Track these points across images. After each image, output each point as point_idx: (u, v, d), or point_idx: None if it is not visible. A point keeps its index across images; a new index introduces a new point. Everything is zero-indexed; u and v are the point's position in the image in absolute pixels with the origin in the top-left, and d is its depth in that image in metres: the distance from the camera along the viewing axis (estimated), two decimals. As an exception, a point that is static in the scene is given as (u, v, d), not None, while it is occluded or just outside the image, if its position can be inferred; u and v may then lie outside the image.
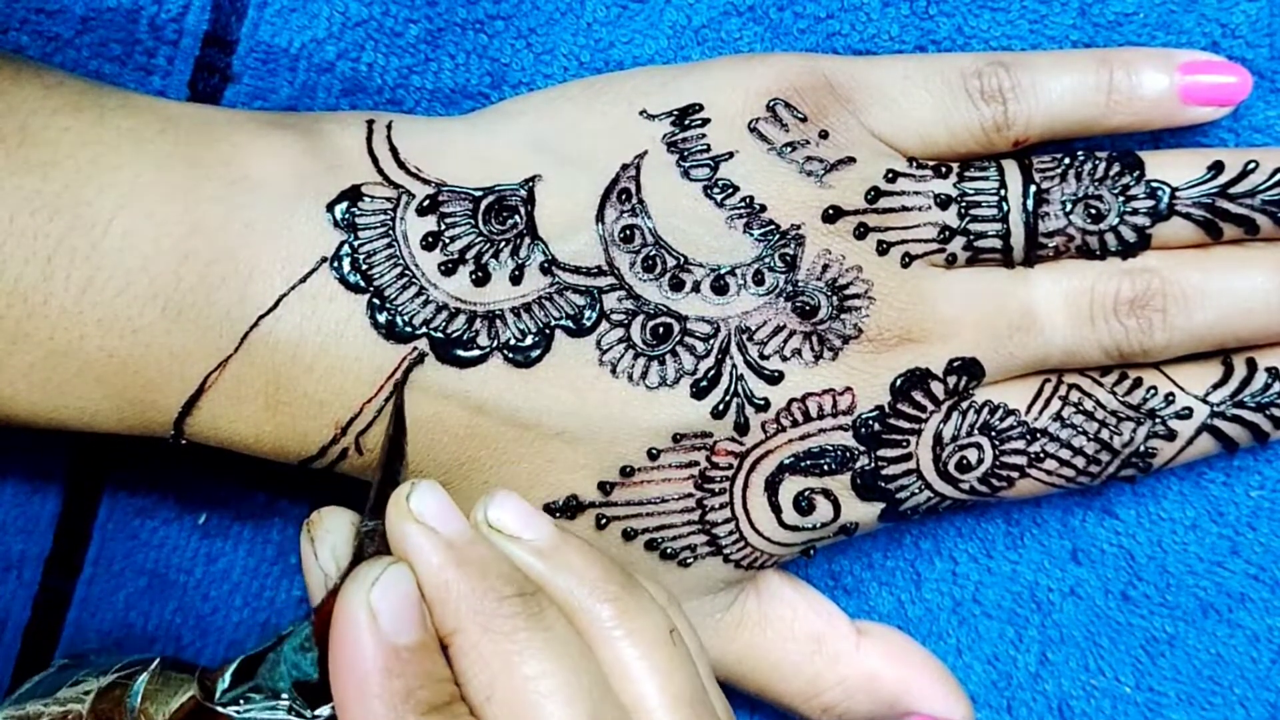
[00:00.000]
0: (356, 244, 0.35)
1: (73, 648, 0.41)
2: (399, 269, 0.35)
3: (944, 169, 0.38)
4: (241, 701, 0.31)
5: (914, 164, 0.38)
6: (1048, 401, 0.38)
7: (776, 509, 0.37)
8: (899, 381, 0.37)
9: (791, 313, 0.36)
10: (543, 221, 0.36)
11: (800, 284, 0.36)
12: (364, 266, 0.35)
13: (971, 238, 0.37)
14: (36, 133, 0.33)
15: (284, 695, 0.31)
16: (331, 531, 0.32)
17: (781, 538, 0.38)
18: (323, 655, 0.30)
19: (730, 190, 0.36)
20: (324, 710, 0.31)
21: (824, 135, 0.37)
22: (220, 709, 0.31)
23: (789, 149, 0.37)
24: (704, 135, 0.37)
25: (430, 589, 0.30)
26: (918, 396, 0.37)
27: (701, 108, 0.37)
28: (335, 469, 0.36)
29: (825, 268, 0.36)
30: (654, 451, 0.36)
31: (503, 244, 0.36)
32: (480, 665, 0.30)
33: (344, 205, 0.35)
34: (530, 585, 0.31)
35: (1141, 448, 0.39)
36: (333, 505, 0.34)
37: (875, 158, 0.37)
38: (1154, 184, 0.38)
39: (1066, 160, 0.38)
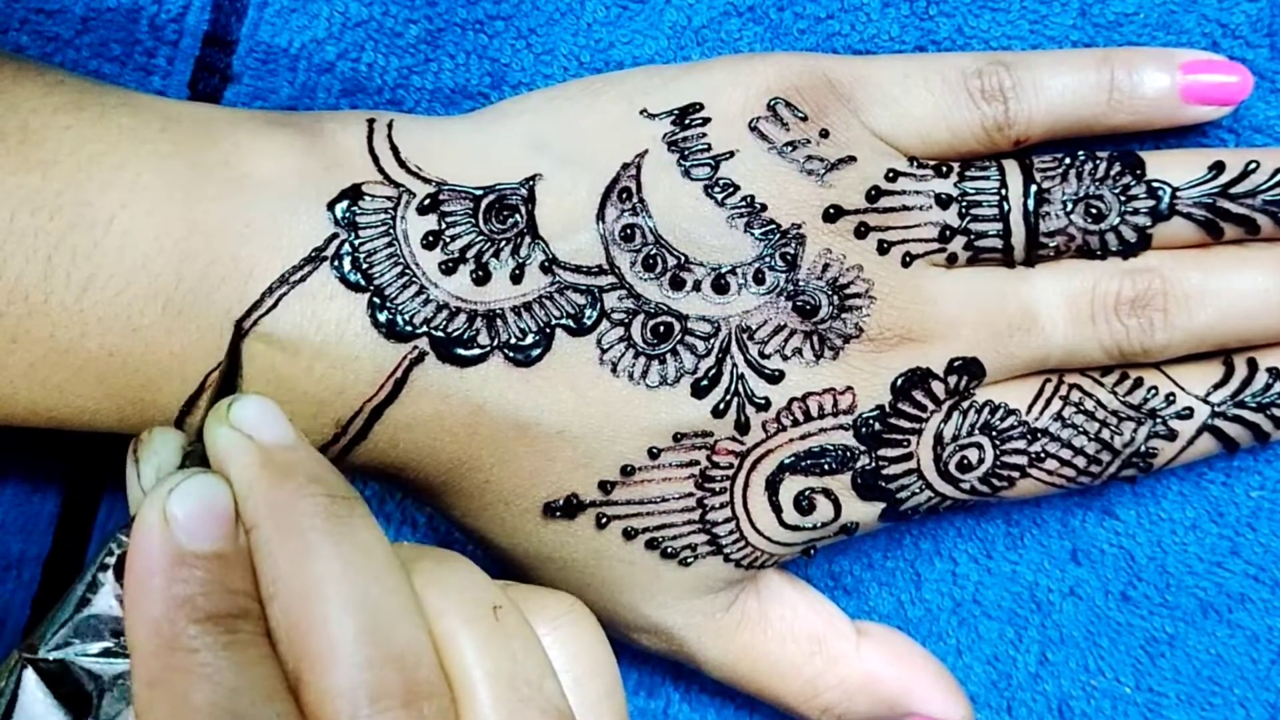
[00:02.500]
0: (357, 243, 0.35)
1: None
2: (399, 268, 0.35)
3: (945, 168, 0.38)
4: (62, 648, 0.30)
5: (915, 163, 0.38)
6: (1048, 401, 0.38)
7: (777, 508, 0.37)
8: (900, 381, 0.37)
9: (792, 312, 0.36)
10: (543, 221, 0.36)
11: (801, 283, 0.36)
12: (364, 265, 0.35)
13: (972, 237, 0.37)
14: (37, 131, 0.33)
15: (105, 634, 0.30)
16: (158, 452, 0.31)
17: (782, 537, 0.38)
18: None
19: (731, 189, 0.36)
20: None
21: (825, 134, 0.37)
22: (41, 660, 0.30)
23: (790, 148, 0.37)
24: (704, 134, 0.37)
25: (237, 490, 0.29)
26: (918, 396, 0.37)
27: (702, 107, 0.37)
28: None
29: (826, 267, 0.36)
30: (654, 450, 0.36)
31: (503, 243, 0.36)
32: (270, 562, 0.28)
33: (344, 204, 0.35)
34: (346, 492, 0.30)
35: (1142, 448, 0.39)
36: (162, 426, 0.33)
37: (876, 157, 0.37)
38: (1155, 184, 0.38)
39: (1067, 160, 0.38)
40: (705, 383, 0.36)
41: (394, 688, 0.28)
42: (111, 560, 0.30)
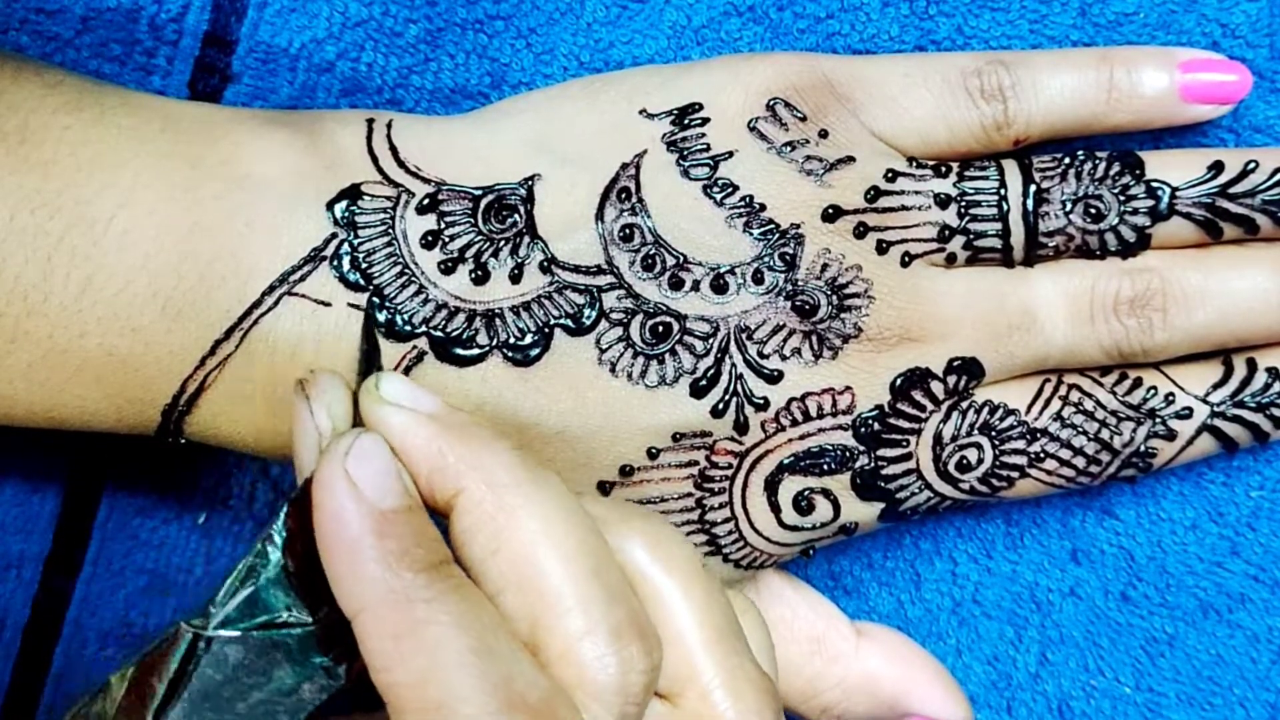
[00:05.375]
0: (356, 242, 0.35)
1: (72, 647, 0.41)
2: (399, 268, 0.35)
3: (944, 168, 0.38)
4: (233, 622, 0.30)
5: (914, 163, 0.38)
6: (1048, 401, 0.38)
7: (776, 509, 0.37)
8: (899, 381, 0.37)
9: (791, 312, 0.36)
10: (542, 220, 0.36)
11: (800, 283, 0.36)
12: (364, 265, 0.35)
13: (971, 237, 0.37)
14: (37, 131, 0.33)
15: (277, 606, 0.30)
16: (327, 391, 0.31)
17: (781, 537, 0.38)
18: (305, 549, 0.30)
19: (730, 189, 0.36)
20: (325, 611, 0.30)
21: (824, 134, 0.37)
22: (212, 633, 0.30)
23: (789, 148, 0.37)
24: (704, 134, 0.37)
25: (424, 461, 0.30)
26: (917, 396, 0.37)
27: (701, 107, 0.37)
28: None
29: (825, 267, 0.36)
30: (653, 451, 0.36)
31: (502, 243, 0.36)
32: (486, 520, 0.29)
33: (344, 204, 0.35)
34: (519, 447, 0.31)
35: (1142, 448, 0.39)
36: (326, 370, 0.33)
37: (875, 157, 0.37)
38: (1154, 184, 0.38)
39: (1066, 160, 0.38)
40: (704, 383, 0.36)
41: (626, 625, 0.29)
42: (278, 532, 0.30)
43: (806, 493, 0.37)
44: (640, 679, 0.29)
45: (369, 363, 0.32)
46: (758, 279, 0.36)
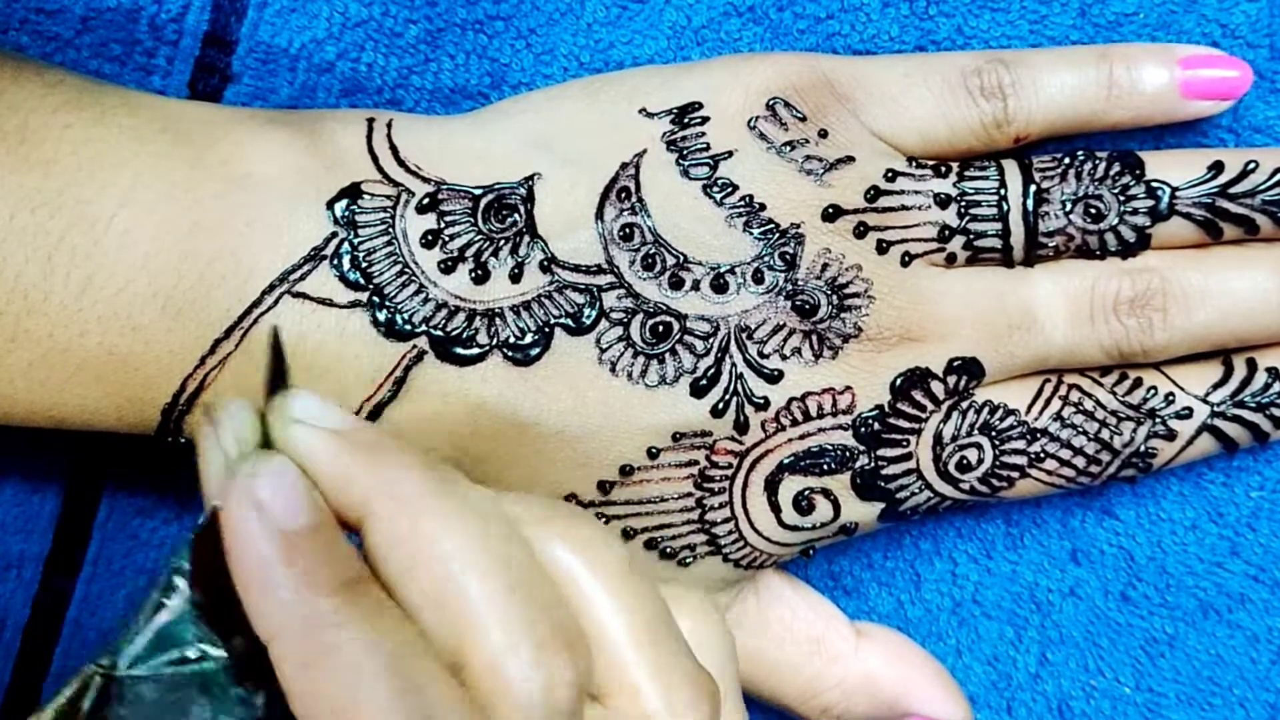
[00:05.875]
0: (356, 242, 0.35)
1: (72, 647, 0.41)
2: (399, 267, 0.35)
3: (944, 168, 0.38)
4: (143, 660, 0.29)
5: (914, 163, 0.38)
6: (1048, 401, 0.38)
7: (776, 508, 0.37)
8: (899, 381, 0.37)
9: (791, 311, 0.36)
10: (542, 220, 0.36)
11: (800, 283, 0.36)
12: (364, 264, 0.35)
13: (971, 237, 0.37)
14: (37, 131, 0.33)
15: (188, 640, 0.29)
16: (234, 416, 0.30)
17: (781, 537, 0.38)
18: (214, 579, 0.29)
19: (729, 189, 0.36)
20: (239, 641, 0.29)
21: (823, 134, 0.37)
22: (125, 674, 0.29)
23: (788, 148, 0.37)
24: (703, 134, 0.37)
25: (329, 479, 0.29)
26: (918, 396, 0.37)
27: (701, 106, 0.37)
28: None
29: (825, 267, 0.36)
30: (653, 450, 0.36)
31: (502, 242, 0.36)
32: (397, 540, 0.28)
33: (344, 203, 0.35)
34: (433, 459, 0.30)
35: (1142, 448, 0.39)
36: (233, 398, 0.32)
37: (875, 157, 0.37)
38: (1154, 184, 0.38)
39: (1066, 160, 0.38)
40: (704, 382, 0.36)
41: (550, 637, 0.28)
42: (184, 564, 0.29)
43: (806, 492, 0.37)
44: (567, 691, 0.28)
45: (277, 381, 0.32)
46: (758, 278, 0.36)
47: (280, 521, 0.28)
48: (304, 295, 0.34)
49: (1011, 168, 0.38)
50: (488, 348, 0.35)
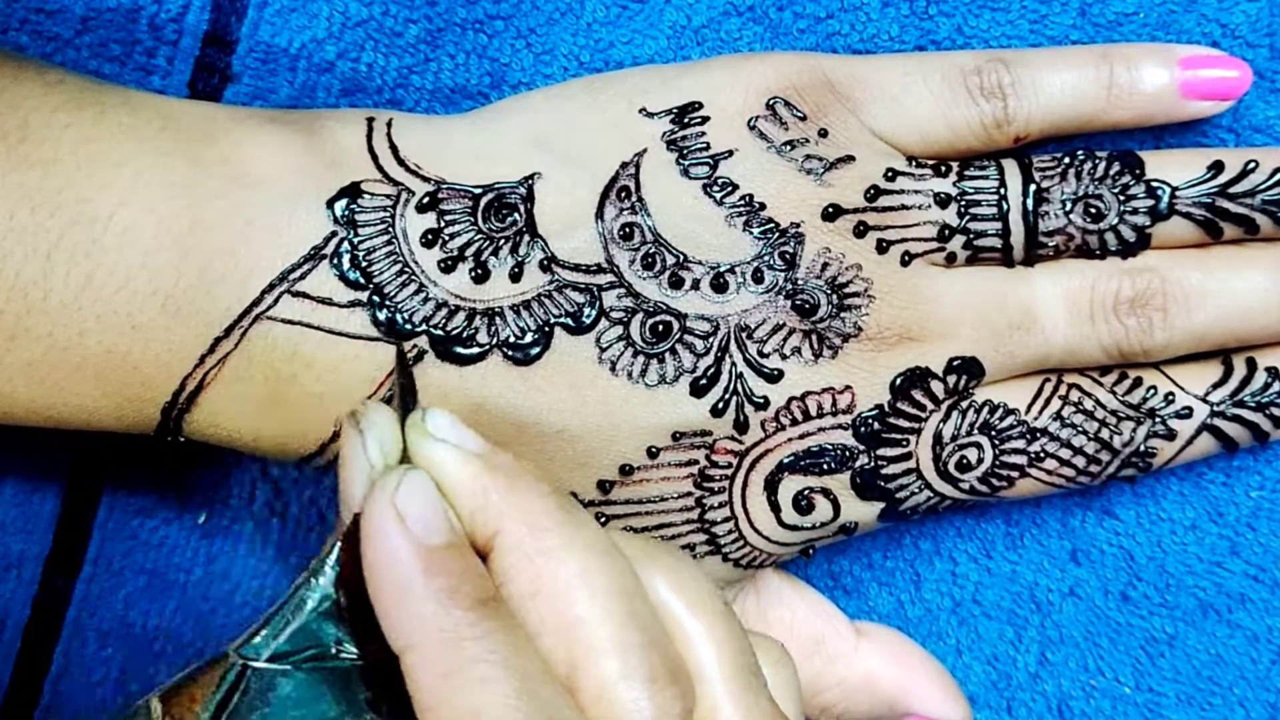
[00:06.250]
0: (356, 241, 0.35)
1: (72, 647, 0.41)
2: (398, 266, 0.35)
3: (944, 168, 0.38)
4: (284, 656, 0.30)
5: (914, 163, 0.38)
6: (1048, 401, 0.38)
7: (776, 508, 0.37)
8: (899, 380, 0.37)
9: (791, 311, 0.36)
10: (542, 219, 0.36)
11: (800, 282, 0.36)
12: (364, 263, 0.35)
13: (971, 236, 0.37)
14: (37, 130, 0.33)
15: (328, 639, 0.30)
16: (377, 424, 0.31)
17: (781, 537, 0.38)
18: (354, 583, 0.30)
19: (730, 188, 0.36)
20: (374, 646, 0.30)
21: (823, 134, 0.37)
22: (263, 665, 0.30)
23: (788, 147, 0.37)
24: (703, 133, 0.37)
25: (468, 499, 0.30)
26: (917, 395, 0.37)
27: (701, 106, 0.37)
28: (336, 466, 0.36)
29: (825, 266, 0.36)
30: (653, 450, 0.36)
31: (502, 241, 0.36)
32: (525, 563, 0.29)
33: (344, 202, 0.35)
34: (557, 488, 0.31)
35: (1141, 447, 0.39)
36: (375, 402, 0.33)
37: (875, 156, 0.37)
38: (1154, 183, 0.38)
39: (1066, 159, 0.38)
40: (704, 382, 0.36)
41: (661, 669, 0.29)
42: (330, 563, 0.30)
43: (806, 492, 0.37)
44: None
45: (408, 396, 0.32)
46: (758, 278, 0.36)
47: (420, 536, 0.28)
48: (304, 294, 0.34)
49: (1011, 167, 0.38)
50: (488, 347, 0.35)
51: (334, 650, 0.30)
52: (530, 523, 0.29)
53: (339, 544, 0.30)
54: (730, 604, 0.32)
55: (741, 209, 0.36)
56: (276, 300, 0.34)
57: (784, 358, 0.36)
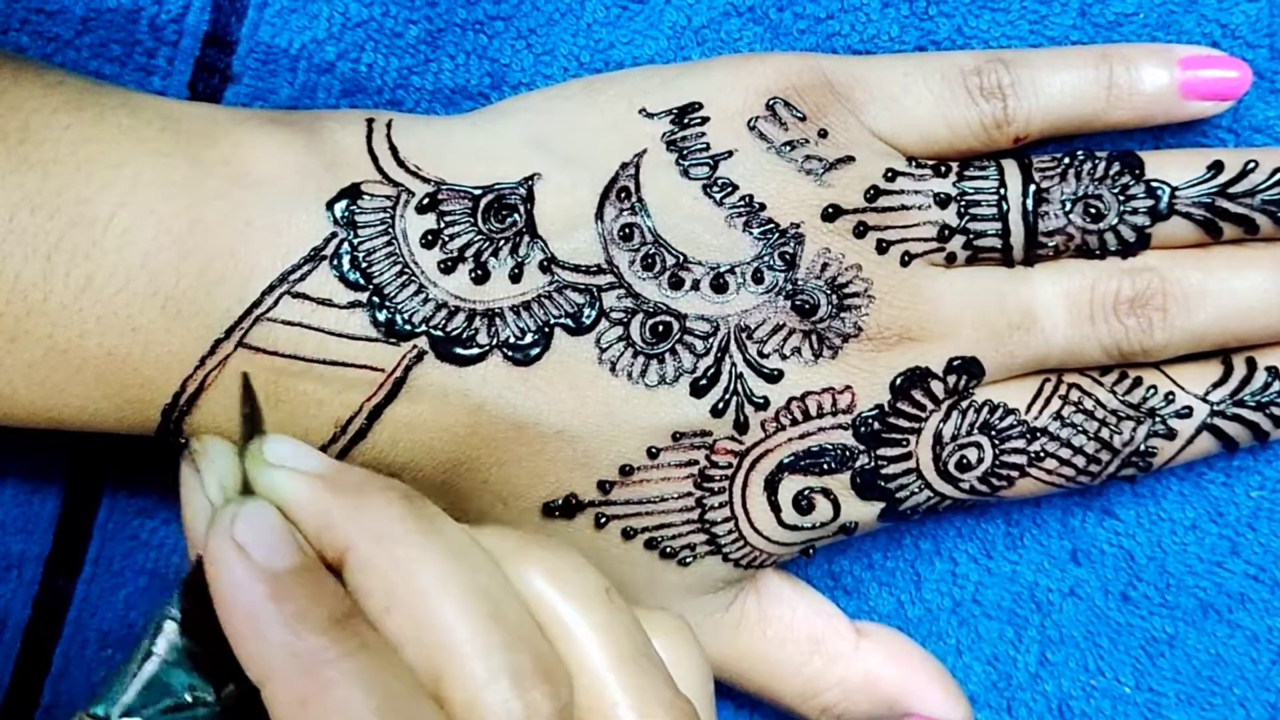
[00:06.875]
0: (356, 242, 0.35)
1: (72, 647, 0.41)
2: (398, 267, 0.35)
3: (943, 168, 0.38)
4: (136, 712, 0.30)
5: (914, 163, 0.38)
6: (1048, 401, 0.38)
7: (776, 508, 0.37)
8: (899, 380, 0.37)
9: (791, 311, 0.36)
10: (542, 220, 0.36)
11: (800, 282, 0.36)
12: (363, 264, 0.35)
13: (971, 236, 0.37)
14: (37, 131, 0.33)
15: (180, 688, 0.29)
16: (215, 462, 0.31)
17: (781, 537, 0.38)
18: (204, 626, 0.29)
19: (729, 189, 0.36)
20: (230, 687, 0.29)
21: (823, 134, 0.37)
22: None
23: (788, 148, 0.37)
24: (703, 134, 0.37)
25: (310, 520, 0.29)
26: (918, 395, 0.37)
27: (701, 106, 0.37)
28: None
29: (824, 266, 0.37)
30: (653, 450, 0.36)
31: (502, 242, 0.36)
32: (377, 577, 0.29)
33: (344, 203, 0.35)
34: (414, 493, 0.30)
35: (1141, 447, 0.39)
36: (212, 436, 0.33)
37: (875, 156, 0.37)
38: (1154, 183, 0.38)
39: (1066, 159, 0.38)
40: (704, 382, 0.36)
41: (529, 668, 0.29)
42: (173, 610, 0.29)
43: (806, 492, 0.37)
44: None
45: (251, 425, 0.32)
46: (757, 278, 0.36)
47: (264, 563, 0.28)
48: (304, 295, 0.34)
49: (1011, 167, 0.38)
50: (488, 348, 0.35)
51: (189, 699, 0.29)
52: (378, 536, 0.29)
53: (180, 590, 0.29)
54: (613, 588, 0.32)
55: (741, 209, 0.36)
56: (276, 302, 0.34)
57: (784, 358, 0.36)
